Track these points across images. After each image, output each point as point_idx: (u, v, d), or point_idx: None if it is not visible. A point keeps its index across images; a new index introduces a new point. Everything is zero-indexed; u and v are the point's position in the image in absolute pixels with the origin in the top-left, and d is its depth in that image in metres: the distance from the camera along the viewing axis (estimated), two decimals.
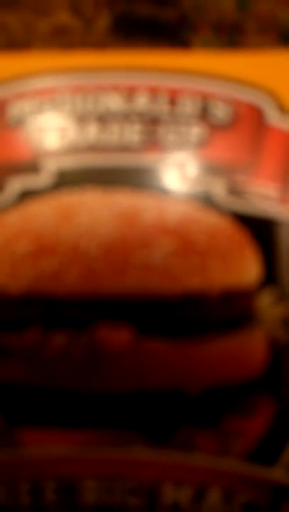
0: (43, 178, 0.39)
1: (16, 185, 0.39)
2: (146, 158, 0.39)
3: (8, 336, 0.38)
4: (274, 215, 0.39)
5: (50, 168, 0.39)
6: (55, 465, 0.38)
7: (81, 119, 0.40)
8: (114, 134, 0.39)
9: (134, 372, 0.37)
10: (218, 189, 0.39)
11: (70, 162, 0.39)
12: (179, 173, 0.39)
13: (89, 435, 0.37)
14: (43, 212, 0.39)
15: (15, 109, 0.40)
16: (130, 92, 0.40)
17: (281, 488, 0.38)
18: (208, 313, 0.38)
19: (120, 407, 0.37)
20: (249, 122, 0.40)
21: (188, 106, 0.40)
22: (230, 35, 0.52)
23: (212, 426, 0.37)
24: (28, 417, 0.38)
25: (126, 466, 0.37)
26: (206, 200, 0.39)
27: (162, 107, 0.40)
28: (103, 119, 0.40)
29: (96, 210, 0.38)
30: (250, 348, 0.38)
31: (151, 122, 0.39)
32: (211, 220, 0.39)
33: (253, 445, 0.38)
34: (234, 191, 0.39)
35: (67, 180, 0.39)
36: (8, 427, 0.38)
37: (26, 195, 0.39)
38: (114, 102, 0.40)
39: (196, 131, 0.39)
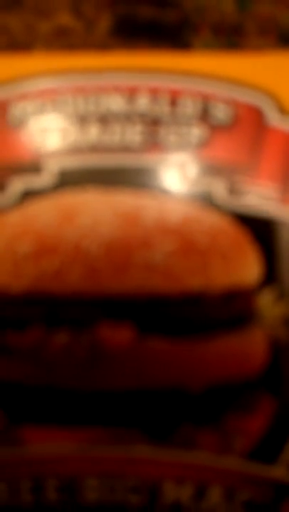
0: (44, 179, 0.39)
1: (18, 185, 0.39)
2: (147, 159, 0.39)
3: (11, 335, 0.38)
4: (274, 215, 0.39)
5: (51, 169, 0.39)
6: (57, 463, 0.38)
7: (82, 119, 0.40)
8: (116, 134, 0.39)
9: (135, 370, 0.37)
10: (219, 189, 0.39)
11: (72, 162, 0.39)
12: (180, 173, 0.39)
13: (90, 433, 0.38)
14: (44, 212, 0.39)
15: (17, 110, 0.40)
16: (131, 93, 0.40)
17: (282, 486, 0.38)
18: (208, 312, 0.38)
19: (121, 405, 0.37)
20: (249, 123, 0.40)
21: (188, 107, 0.40)
22: (230, 37, 0.52)
23: (213, 424, 0.38)
24: (30, 415, 0.38)
25: (127, 464, 0.37)
26: (207, 200, 0.39)
27: (163, 107, 0.40)
28: (104, 119, 0.40)
29: (97, 210, 0.38)
30: (251, 346, 0.38)
31: (152, 123, 0.40)
32: (212, 220, 0.39)
33: (253, 443, 0.38)
34: (234, 191, 0.39)
35: (69, 180, 0.39)
36: (10, 425, 0.38)
37: (28, 195, 0.39)
38: (115, 103, 0.40)
39: (196, 131, 0.39)
